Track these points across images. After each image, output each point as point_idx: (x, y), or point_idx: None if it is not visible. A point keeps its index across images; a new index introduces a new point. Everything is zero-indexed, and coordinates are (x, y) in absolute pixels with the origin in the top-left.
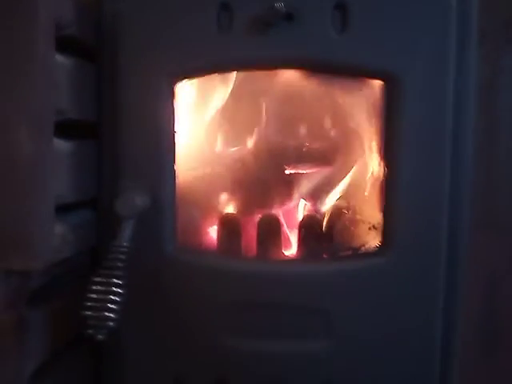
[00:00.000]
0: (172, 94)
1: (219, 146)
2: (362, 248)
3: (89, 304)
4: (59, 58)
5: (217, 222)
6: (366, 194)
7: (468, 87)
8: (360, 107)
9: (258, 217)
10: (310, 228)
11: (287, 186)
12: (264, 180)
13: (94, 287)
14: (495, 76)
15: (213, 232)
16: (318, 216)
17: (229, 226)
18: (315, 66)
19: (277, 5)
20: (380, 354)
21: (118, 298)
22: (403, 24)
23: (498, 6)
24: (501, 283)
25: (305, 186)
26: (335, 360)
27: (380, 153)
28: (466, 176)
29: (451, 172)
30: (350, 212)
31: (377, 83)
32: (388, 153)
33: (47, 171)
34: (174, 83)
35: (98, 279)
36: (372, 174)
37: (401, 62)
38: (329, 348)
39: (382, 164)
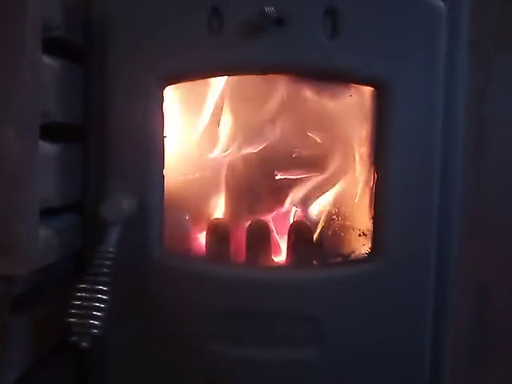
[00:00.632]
0: (161, 98)
1: (209, 150)
2: (352, 255)
3: (73, 311)
4: (46, 59)
5: (205, 228)
6: (355, 200)
7: (458, 95)
8: (350, 113)
9: (247, 222)
10: (299, 234)
11: (277, 191)
12: (254, 185)
13: (79, 294)
14: (485, 84)
15: (201, 237)
16: (308, 222)
17: (217, 231)
18: (305, 71)
19: (267, 9)
20: (370, 361)
21: (102, 305)
22: (394, 31)
23: (489, 15)
24: (491, 292)
25: (295, 191)
26: (325, 367)
27: (370, 159)
28: (455, 184)
29: (441, 179)
30: (339, 218)
31: (367, 89)
32: (378, 160)
33: (32, 173)
34: (163, 86)
35: (82, 285)
36: (362, 180)
37: (391, 68)
38: (318, 355)
39: (372, 171)
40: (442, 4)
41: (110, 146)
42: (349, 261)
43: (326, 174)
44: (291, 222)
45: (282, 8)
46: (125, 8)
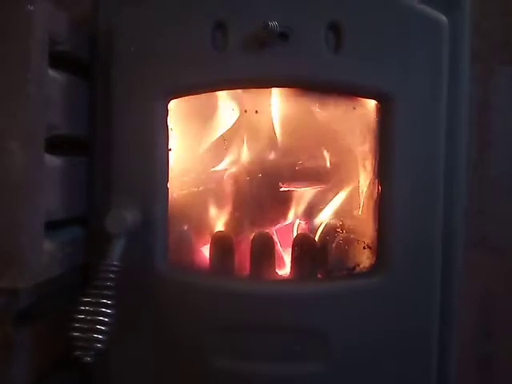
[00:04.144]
0: (166, 111)
1: (213, 163)
2: (357, 267)
3: (76, 325)
4: (52, 73)
5: (209, 240)
6: (359, 213)
7: (461, 107)
8: (354, 126)
9: (251, 235)
10: (303, 247)
11: (281, 204)
12: (257, 198)
13: (83, 307)
14: (488, 97)
15: (205, 250)
16: (312, 235)
17: (221, 244)
18: (309, 85)
19: (271, 24)
20: (376, 374)
21: (106, 319)
22: (397, 44)
23: (491, 28)
24: (495, 302)
25: (299, 204)
26: (331, 381)
27: (374, 172)
28: (459, 195)
29: (445, 191)
30: (344, 231)
31: (371, 102)
32: (382, 172)
33: (37, 186)
34: (168, 100)
35: (86, 299)
36: (366, 193)
37: (394, 81)
38: (323, 369)
39: (376, 183)
40: (444, 18)
41: (115, 159)
42: (353, 274)
43: (330, 187)
44: (295, 234)
45: (286, 22)
46: (130, 22)
